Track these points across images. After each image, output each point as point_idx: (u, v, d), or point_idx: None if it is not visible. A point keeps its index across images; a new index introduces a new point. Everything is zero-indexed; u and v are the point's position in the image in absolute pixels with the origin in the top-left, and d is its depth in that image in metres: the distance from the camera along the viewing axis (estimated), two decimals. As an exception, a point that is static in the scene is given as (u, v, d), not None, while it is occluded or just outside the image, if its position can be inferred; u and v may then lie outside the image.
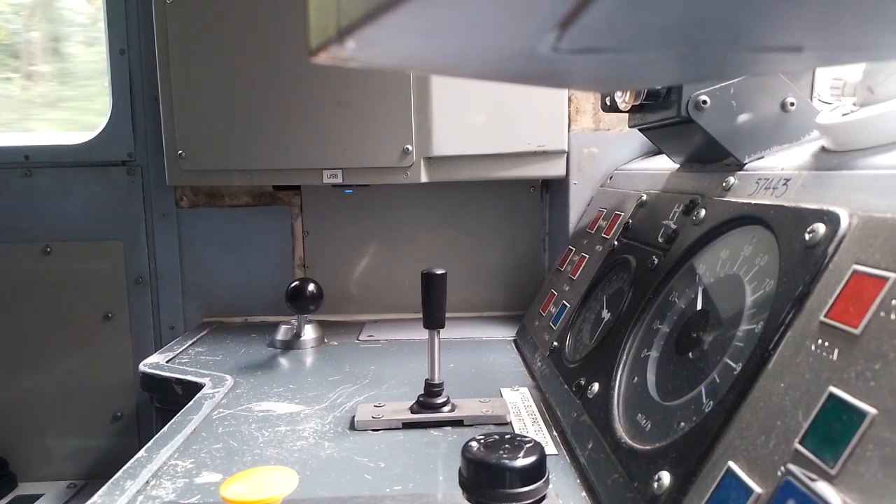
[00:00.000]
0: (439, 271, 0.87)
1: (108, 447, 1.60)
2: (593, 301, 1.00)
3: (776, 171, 0.69)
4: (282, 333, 1.30)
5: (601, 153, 1.34)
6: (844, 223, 0.51)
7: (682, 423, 0.58)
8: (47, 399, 1.58)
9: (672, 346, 0.69)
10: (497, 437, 0.58)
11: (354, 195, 1.52)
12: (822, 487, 0.39)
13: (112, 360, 1.57)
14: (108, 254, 1.55)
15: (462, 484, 0.56)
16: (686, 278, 0.74)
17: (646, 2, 0.20)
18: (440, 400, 0.89)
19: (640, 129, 0.97)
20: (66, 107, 1.82)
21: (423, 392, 0.90)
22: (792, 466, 0.42)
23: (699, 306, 0.68)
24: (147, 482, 0.73)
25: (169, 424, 0.89)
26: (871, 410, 0.39)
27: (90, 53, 1.70)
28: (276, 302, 1.41)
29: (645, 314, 0.77)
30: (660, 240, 0.85)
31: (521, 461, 0.54)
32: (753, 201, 0.67)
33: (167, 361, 1.22)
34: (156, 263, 1.56)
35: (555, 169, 1.33)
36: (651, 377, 0.70)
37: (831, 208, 0.53)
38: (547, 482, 0.56)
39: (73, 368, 1.57)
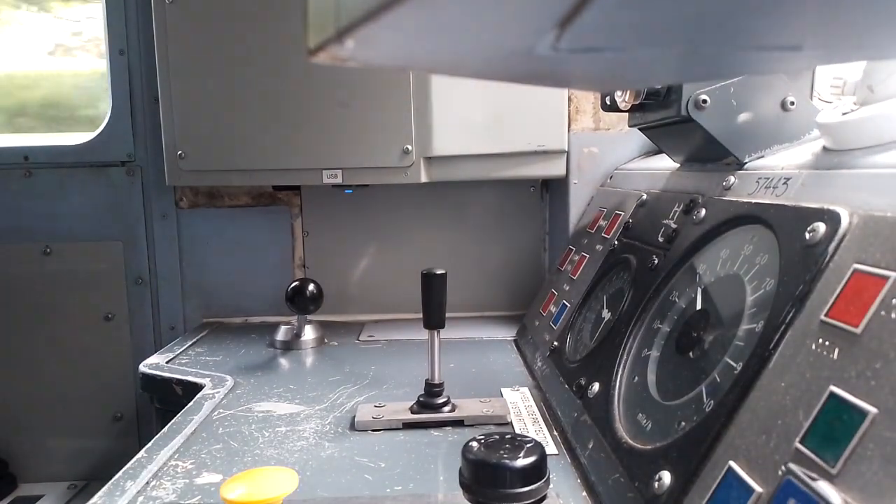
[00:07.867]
0: (439, 271, 0.87)
1: (109, 448, 1.60)
2: (593, 301, 1.00)
3: (776, 170, 0.69)
4: (282, 334, 1.30)
5: (601, 153, 1.34)
6: (845, 222, 0.51)
7: (683, 423, 0.58)
8: (47, 400, 1.58)
9: (672, 345, 0.69)
10: (497, 437, 0.58)
11: (354, 195, 1.52)
12: (823, 487, 0.39)
13: (112, 361, 1.57)
14: (107, 254, 1.55)
15: (462, 484, 0.56)
16: (686, 278, 0.74)
17: (645, 1, 0.20)
18: (440, 400, 0.89)
19: (640, 129, 0.97)
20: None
21: (423, 392, 0.90)
22: (793, 466, 0.42)
23: (699, 306, 0.68)
24: (147, 483, 0.73)
25: (169, 425, 0.89)
26: (872, 409, 0.39)
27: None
28: (276, 302, 1.41)
29: (645, 314, 0.77)
30: (660, 239, 0.85)
31: (522, 461, 0.54)
32: (754, 200, 0.67)
33: (167, 362, 1.22)
34: (156, 264, 1.56)
35: (555, 168, 1.33)
36: (651, 377, 0.70)
37: (832, 207, 0.53)
38: (547, 482, 0.56)
39: (73, 369, 1.57)
